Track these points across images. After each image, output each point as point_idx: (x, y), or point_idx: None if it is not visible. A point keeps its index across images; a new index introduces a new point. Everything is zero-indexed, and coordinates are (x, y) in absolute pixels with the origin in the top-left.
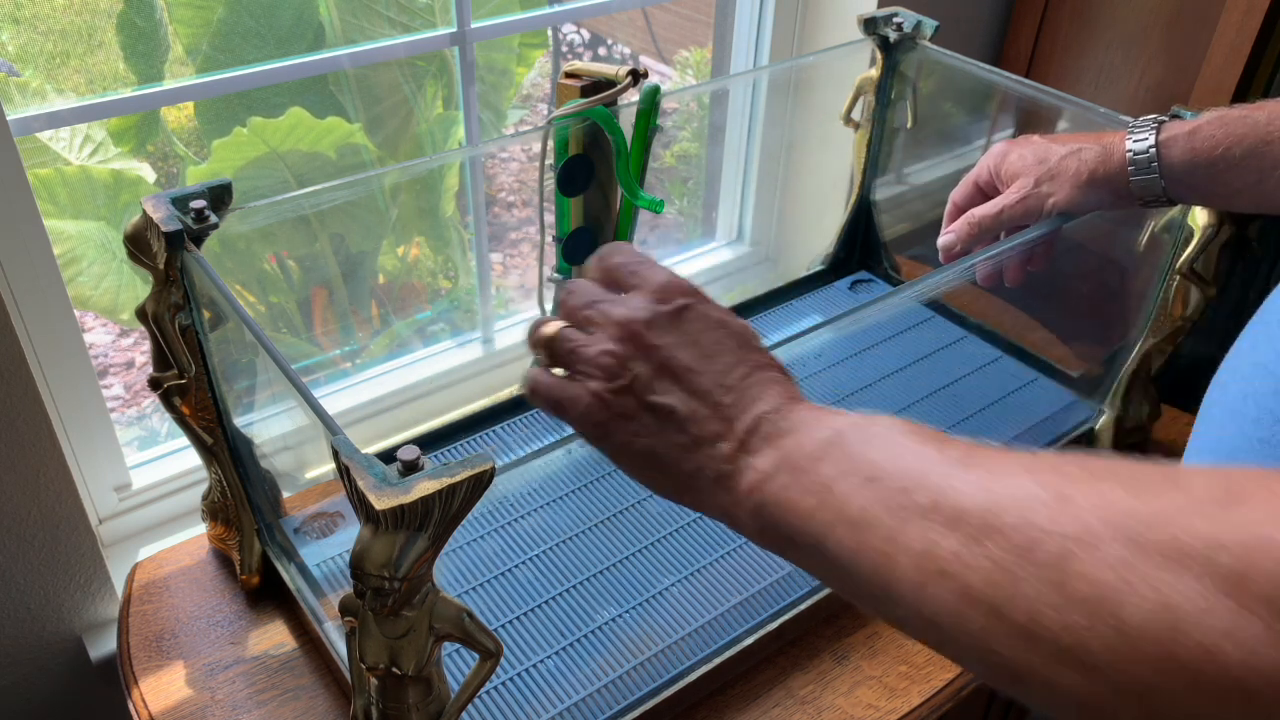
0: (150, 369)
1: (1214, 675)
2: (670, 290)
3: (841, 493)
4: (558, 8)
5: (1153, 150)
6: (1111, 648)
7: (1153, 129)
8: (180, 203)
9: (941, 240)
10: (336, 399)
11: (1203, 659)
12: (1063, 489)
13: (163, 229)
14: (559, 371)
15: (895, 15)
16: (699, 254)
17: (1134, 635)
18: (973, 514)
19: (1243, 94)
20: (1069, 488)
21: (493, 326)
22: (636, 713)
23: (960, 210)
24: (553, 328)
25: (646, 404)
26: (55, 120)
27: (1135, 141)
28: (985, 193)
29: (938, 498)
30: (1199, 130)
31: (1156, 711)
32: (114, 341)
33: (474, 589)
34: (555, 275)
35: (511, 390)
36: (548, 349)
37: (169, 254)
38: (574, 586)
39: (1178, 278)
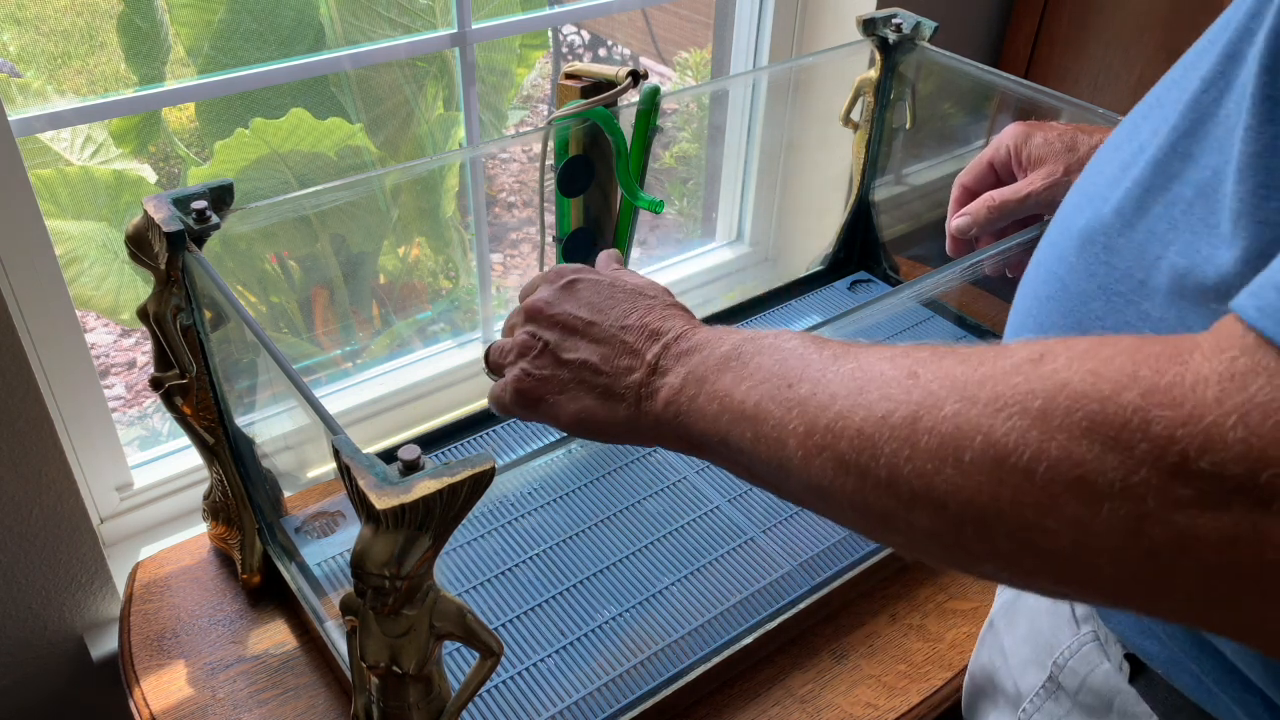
0: (152, 369)
1: (1031, 490)
2: (560, 272)
3: (739, 396)
4: (558, 9)
5: None
6: (954, 485)
7: None
8: (182, 203)
9: (957, 223)
10: (337, 399)
11: (1022, 479)
12: (913, 368)
13: (164, 229)
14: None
15: (894, 16)
16: (699, 254)
17: (970, 471)
18: (842, 395)
19: None
20: (918, 367)
21: (493, 326)
22: (636, 712)
23: (970, 192)
24: (490, 347)
25: (563, 361)
26: (57, 121)
27: None
28: (999, 175)
29: (815, 388)
30: None
31: (990, 530)
32: (115, 341)
33: (474, 588)
34: None
35: None
36: (490, 366)
37: (170, 254)
38: (574, 586)
39: None
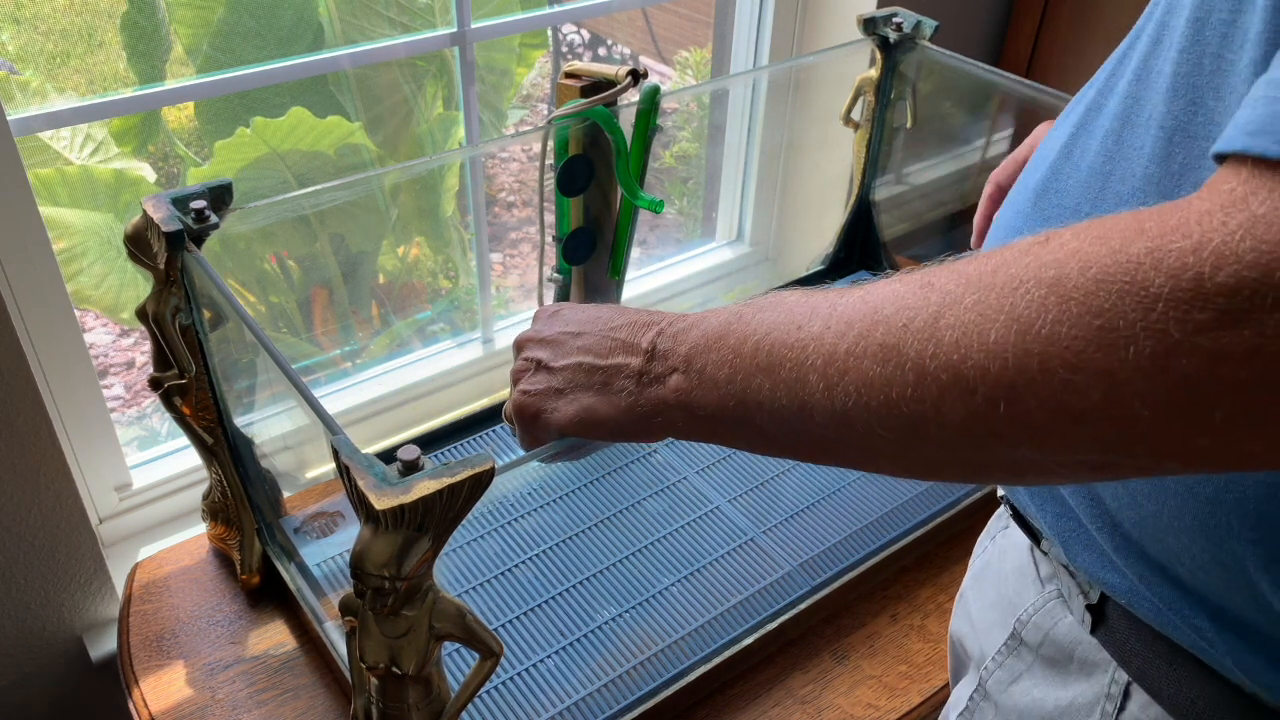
0: (151, 369)
1: (1057, 352)
2: (545, 308)
3: (749, 352)
4: (558, 8)
5: None
6: (982, 367)
7: None
8: (181, 203)
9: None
10: (336, 399)
11: (1046, 344)
12: (926, 279)
13: (163, 229)
14: None
15: (895, 15)
16: (699, 254)
17: (996, 349)
18: (858, 319)
19: None
20: (931, 277)
21: (493, 326)
22: (636, 713)
23: (1003, 190)
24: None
25: (555, 369)
26: (56, 120)
27: None
28: None
29: (828, 321)
30: None
31: (1023, 404)
32: (114, 341)
33: (474, 589)
34: (555, 275)
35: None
36: (505, 418)
37: (169, 254)
38: (574, 586)
39: None
